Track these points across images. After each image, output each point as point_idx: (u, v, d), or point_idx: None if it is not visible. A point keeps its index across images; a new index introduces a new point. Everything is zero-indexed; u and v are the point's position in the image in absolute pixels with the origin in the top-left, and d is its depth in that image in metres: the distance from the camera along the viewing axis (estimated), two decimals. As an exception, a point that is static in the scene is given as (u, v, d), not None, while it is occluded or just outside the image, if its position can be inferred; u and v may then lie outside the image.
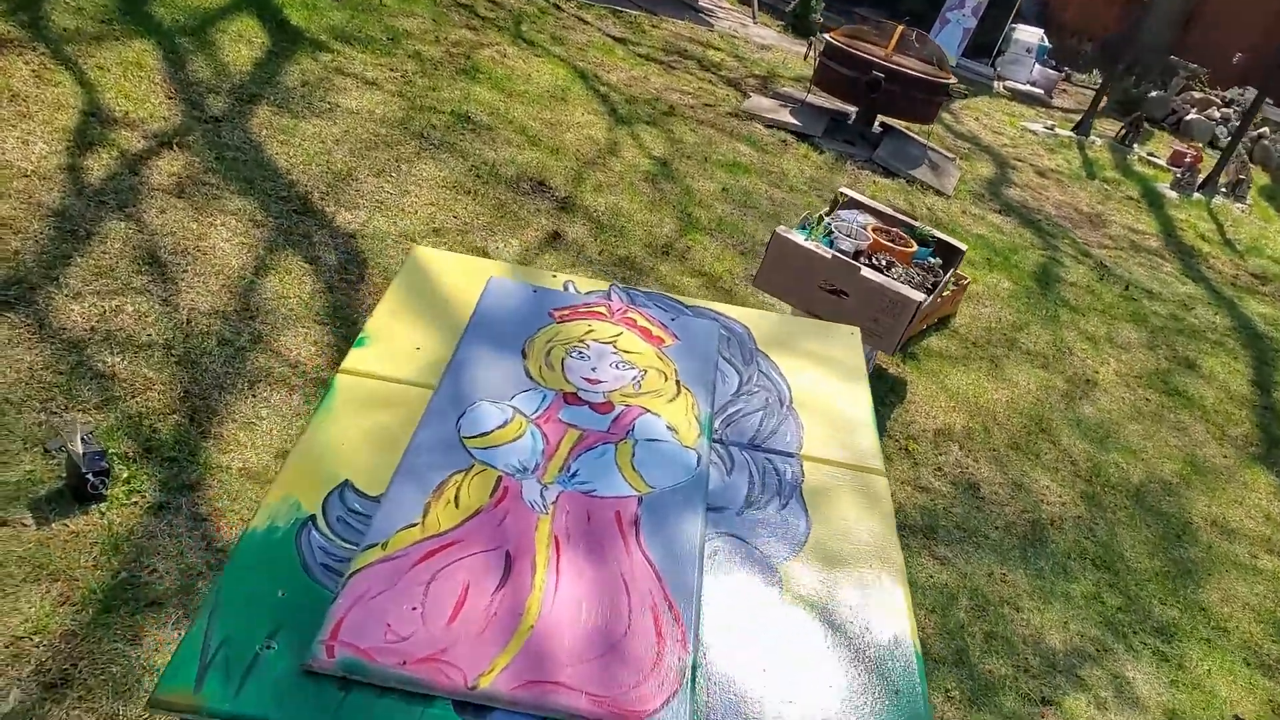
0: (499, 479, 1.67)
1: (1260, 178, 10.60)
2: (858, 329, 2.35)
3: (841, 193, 4.28)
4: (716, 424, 1.92)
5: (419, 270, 2.25)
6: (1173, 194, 9.06)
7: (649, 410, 1.90)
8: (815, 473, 1.86)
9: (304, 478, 1.62)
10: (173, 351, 2.93)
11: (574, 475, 1.71)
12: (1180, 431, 4.56)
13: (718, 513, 1.72)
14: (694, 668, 1.41)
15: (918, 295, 3.48)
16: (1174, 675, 2.88)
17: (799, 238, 3.64)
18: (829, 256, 3.57)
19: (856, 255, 3.75)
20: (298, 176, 4.24)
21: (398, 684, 1.33)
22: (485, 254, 4.23)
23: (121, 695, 1.97)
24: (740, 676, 1.44)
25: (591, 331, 2.09)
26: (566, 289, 2.27)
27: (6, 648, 2.00)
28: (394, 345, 1.98)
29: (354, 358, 1.91)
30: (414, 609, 1.42)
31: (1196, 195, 9.18)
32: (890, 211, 4.20)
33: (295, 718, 1.28)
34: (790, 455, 1.90)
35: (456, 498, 1.62)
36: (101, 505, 2.31)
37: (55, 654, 2.00)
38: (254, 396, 2.86)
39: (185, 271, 3.33)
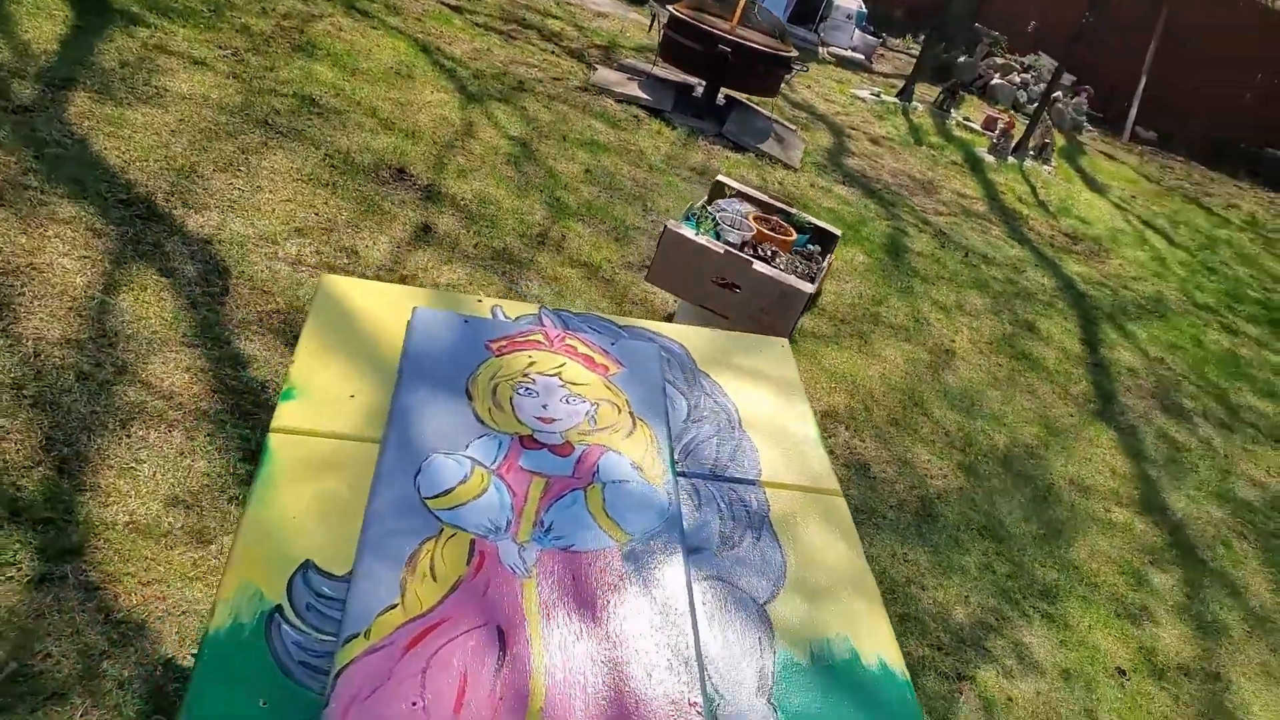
0: (472, 543, 1.58)
1: (1058, 139, 11.46)
2: (787, 342, 2.37)
3: (719, 181, 4.30)
4: (676, 455, 1.89)
5: (332, 303, 2.08)
6: (990, 158, 9.67)
7: (609, 449, 1.84)
8: (777, 500, 1.87)
9: (259, 561, 1.48)
10: (24, 393, 2.60)
11: (549, 530, 1.64)
12: (1031, 394, 4.91)
13: (697, 554, 1.69)
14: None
15: (807, 286, 3.56)
16: (1062, 635, 3.13)
17: (689, 232, 3.64)
18: (721, 251, 3.59)
19: (742, 246, 3.78)
20: (135, 175, 3.84)
21: (414, 793, 1.24)
22: (355, 253, 3.99)
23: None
24: (752, 731, 1.43)
25: (534, 364, 2.01)
26: (495, 314, 2.17)
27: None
28: (325, 395, 1.82)
29: (284, 414, 1.75)
30: (414, 704, 1.33)
31: (1010, 159, 9.84)
32: (767, 199, 4.26)
33: None
34: (752, 483, 1.90)
35: (432, 569, 1.52)
36: (-31, 584, 2.04)
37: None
38: (129, 437, 2.58)
39: (22, 295, 2.96)
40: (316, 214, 4.13)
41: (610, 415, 1.93)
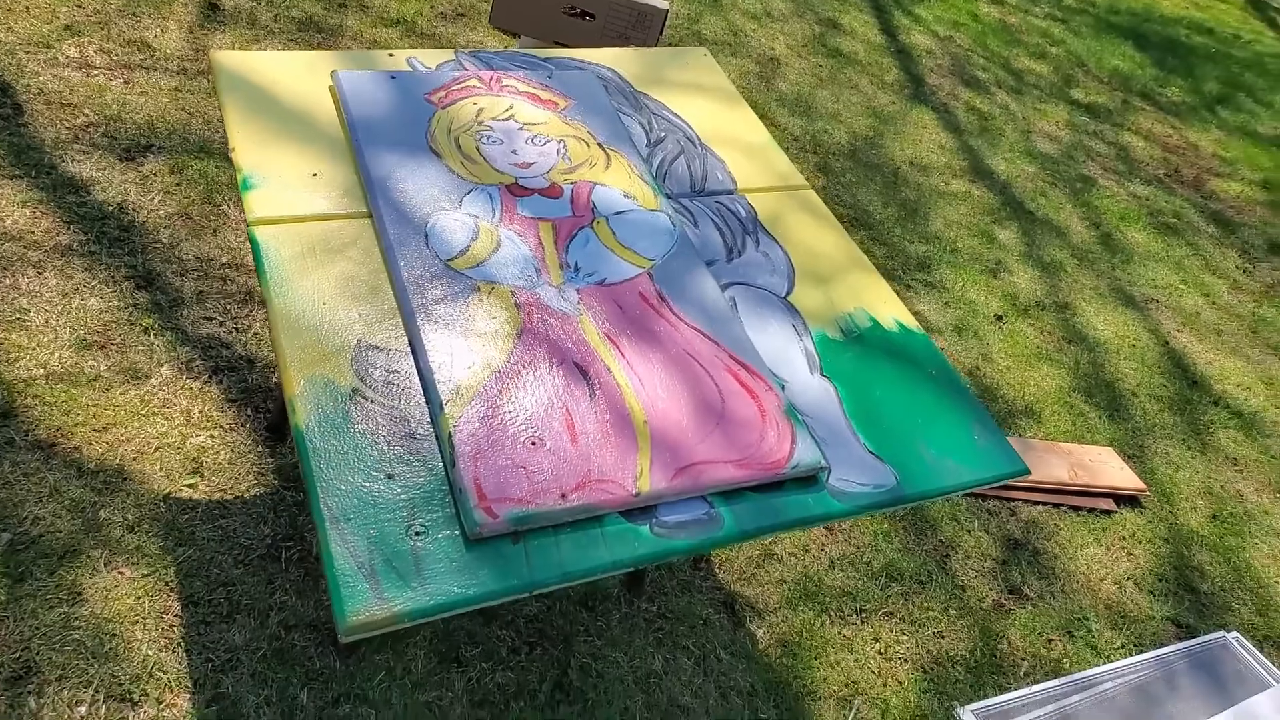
0: (512, 292, 1.57)
1: None
2: (706, 50, 2.35)
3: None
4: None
5: (237, 81, 1.86)
6: None
7: (596, 183, 1.82)
8: (759, 204, 1.94)
9: (312, 353, 1.42)
10: None
11: (578, 269, 1.64)
12: (854, 89, 5.12)
13: (711, 266, 1.76)
14: (791, 408, 1.51)
15: (662, 3, 3.47)
16: (944, 298, 3.50)
17: (529, -38, 3.40)
18: (568, -22, 3.40)
19: (581, -28, 3.59)
20: None
21: (569, 518, 1.31)
22: (147, 46, 3.49)
23: (110, 659, 1.69)
24: (818, 399, 1.58)
25: (483, 109, 1.91)
26: (414, 66, 2.02)
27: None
28: (286, 177, 1.68)
29: (255, 204, 1.61)
30: (533, 444, 1.37)
31: None
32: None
33: (494, 584, 1.24)
34: (731, 193, 1.95)
35: (492, 323, 1.51)
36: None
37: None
38: (-4, 288, 2.29)
39: None
40: (81, 6, 3.54)
41: (581, 150, 1.89)
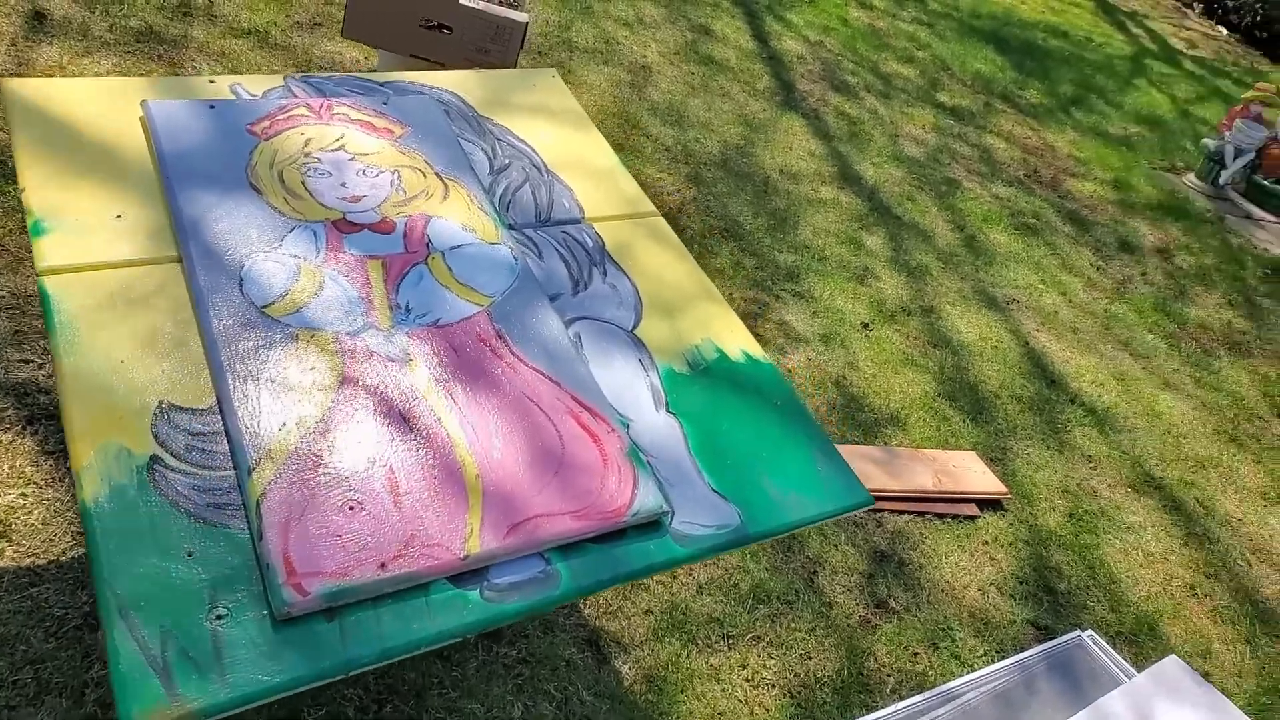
0: (336, 338, 1.47)
1: None
2: (555, 71, 2.28)
3: (385, -91, 3.83)
4: (497, 209, 1.83)
5: (31, 112, 1.71)
6: None
7: (432, 215, 1.74)
8: (606, 233, 1.88)
9: (106, 417, 1.29)
10: None
11: (409, 310, 1.56)
12: (726, 96, 5.14)
13: (555, 300, 1.69)
14: (634, 450, 1.46)
15: (522, 16, 3.38)
16: (812, 307, 3.52)
17: (380, -27, 3.27)
18: (422, -11, 3.28)
19: (438, -18, 3.48)
20: None
21: (390, 588, 1.23)
22: (-37, 60, 3.22)
23: None
24: (663, 437, 1.53)
25: (311, 140, 1.80)
26: (237, 94, 1.89)
27: None
28: (84, 220, 1.54)
29: (47, 251, 1.47)
30: (351, 508, 1.28)
31: None
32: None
33: (304, 668, 1.14)
34: (578, 221, 1.88)
35: (310, 375, 1.41)
36: None
37: None
38: None
39: None
40: (-114, 16, 3.24)
41: (417, 181, 1.80)
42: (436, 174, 1.83)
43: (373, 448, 1.34)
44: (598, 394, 1.53)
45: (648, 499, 1.39)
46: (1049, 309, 4.11)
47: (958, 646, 2.37)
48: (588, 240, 1.85)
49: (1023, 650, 2.34)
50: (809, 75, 5.86)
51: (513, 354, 1.54)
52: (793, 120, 5.11)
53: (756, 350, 1.75)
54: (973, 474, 2.82)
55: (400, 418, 1.40)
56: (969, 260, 4.28)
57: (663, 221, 1.98)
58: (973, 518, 2.74)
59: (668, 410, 1.58)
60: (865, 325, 3.49)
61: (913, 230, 4.34)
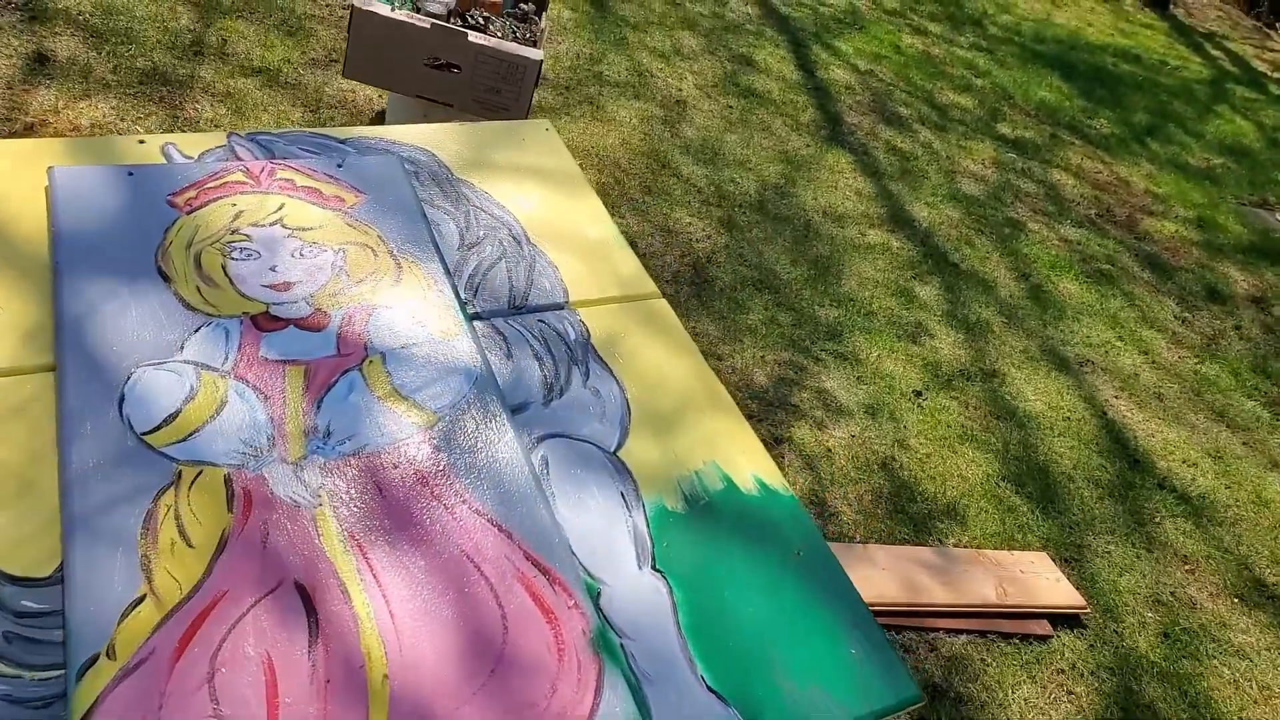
0: (227, 479, 1.16)
1: None
2: (549, 123, 1.97)
3: (399, -61, 3.59)
4: (463, 294, 1.51)
5: (-87, 183, 1.45)
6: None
7: (377, 305, 1.43)
8: (594, 320, 1.56)
9: (-93, 596, 1.00)
10: None
11: (329, 435, 1.24)
12: (766, 131, 4.80)
13: (521, 413, 1.37)
14: (602, 633, 1.13)
15: (535, 53, 3.10)
16: (857, 372, 3.16)
17: (384, 8, 3.01)
18: (427, 25, 3.01)
19: (449, 16, 3.21)
20: None
21: None
22: (-57, 105, 3.03)
23: None
24: (646, 607, 1.19)
25: (243, 213, 1.51)
26: (169, 156, 1.61)
27: None
28: (-57, 320, 1.26)
29: (-117, 363, 1.19)
30: (212, 726, 0.96)
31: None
32: (460, -46, 3.63)
33: None
34: (560, 307, 1.56)
35: (183, 533, 1.10)
36: None
37: None
38: None
39: None
40: None
41: (365, 261, 1.50)
42: (390, 252, 1.52)
43: (251, 638, 1.03)
44: (561, 550, 1.20)
45: (614, 711, 1.06)
46: (1128, 371, 3.68)
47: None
48: (570, 331, 1.52)
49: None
50: (857, 107, 5.50)
51: (456, 493, 1.22)
52: (839, 156, 4.75)
53: (775, 478, 1.41)
54: (1044, 582, 2.43)
55: (296, 590, 1.08)
56: (1035, 314, 3.87)
57: (664, 305, 1.65)
58: (1045, 638, 2.34)
59: (653, 569, 1.24)
60: (918, 394, 3.11)
61: (972, 280, 3.95)
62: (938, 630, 2.27)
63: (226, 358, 1.29)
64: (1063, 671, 2.30)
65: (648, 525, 1.28)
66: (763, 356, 3.09)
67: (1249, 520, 3.00)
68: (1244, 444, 3.43)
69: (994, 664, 2.25)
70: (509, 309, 1.53)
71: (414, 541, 1.16)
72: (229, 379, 1.27)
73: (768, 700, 1.13)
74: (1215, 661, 2.47)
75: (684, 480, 1.35)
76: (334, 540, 1.13)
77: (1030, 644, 2.33)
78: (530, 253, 1.64)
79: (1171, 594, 2.64)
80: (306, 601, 1.07)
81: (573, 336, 1.52)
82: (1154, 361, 3.78)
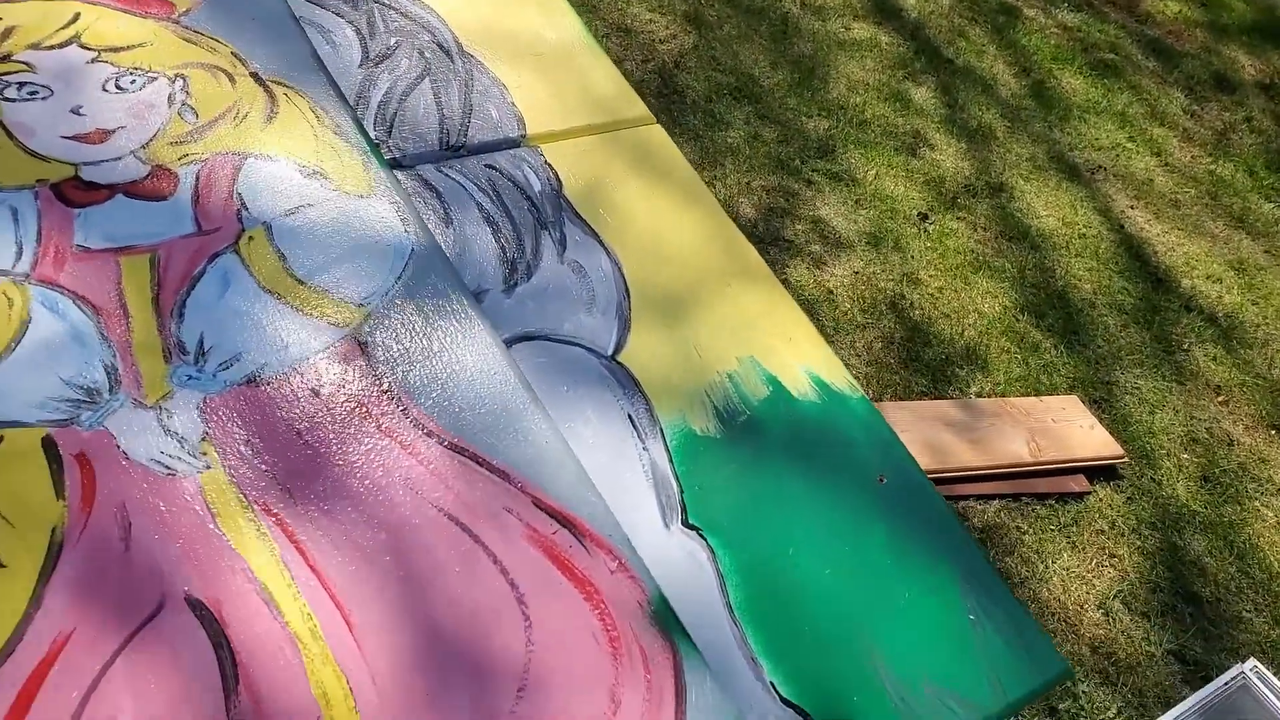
0: (47, 444, 0.77)
1: None
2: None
3: None
4: (373, 133, 1.08)
5: None
6: None
7: (246, 153, 1.00)
8: (564, 162, 1.14)
9: None
10: None
11: (204, 357, 0.85)
12: (726, -95, 4.16)
13: (480, 300, 0.98)
14: (664, 604, 0.80)
15: None
16: (854, 194, 2.77)
17: None
18: None
19: None
20: None
21: None
22: None
23: None
24: (679, 581, 0.85)
25: (13, 30, 1.04)
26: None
27: None
28: None
29: None
30: None
31: None
32: None
33: None
34: (515, 145, 1.14)
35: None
36: None
37: None
38: None
39: None
40: None
41: (218, 91, 1.05)
42: (253, 75, 1.07)
43: (126, 703, 0.67)
44: (582, 486, 0.85)
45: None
46: (1141, 176, 3.34)
47: (1082, 706, 1.78)
48: (532, 179, 1.11)
49: (1169, 705, 1.75)
50: (827, -126, 4.82)
51: (412, 424, 0.85)
52: (812, -67, 4.16)
53: (838, 373, 1.05)
54: (1078, 430, 2.17)
55: (188, 611, 0.72)
56: (1040, 115, 3.47)
57: (661, 134, 1.23)
58: (1082, 495, 2.10)
59: (684, 525, 0.89)
60: (923, 216, 2.74)
61: (969, 78, 3.51)
62: (968, 498, 2.01)
63: (20, 252, 0.87)
64: (1103, 532, 2.08)
65: (670, 460, 0.92)
66: (748, 183, 2.67)
67: (1279, 339, 2.77)
68: (1265, 252, 3.17)
69: (1030, 531, 2.01)
70: (441, 150, 1.10)
71: (363, 506, 0.79)
72: (27, 284, 0.85)
73: (864, 697, 0.82)
74: (1258, 504, 2.28)
75: (714, 389, 0.99)
76: (237, 520, 0.76)
77: (1067, 504, 2.09)
78: (466, 67, 1.19)
79: (1207, 430, 2.42)
80: (209, 625, 0.71)
81: (537, 187, 1.10)
82: (1166, 164, 3.45)
